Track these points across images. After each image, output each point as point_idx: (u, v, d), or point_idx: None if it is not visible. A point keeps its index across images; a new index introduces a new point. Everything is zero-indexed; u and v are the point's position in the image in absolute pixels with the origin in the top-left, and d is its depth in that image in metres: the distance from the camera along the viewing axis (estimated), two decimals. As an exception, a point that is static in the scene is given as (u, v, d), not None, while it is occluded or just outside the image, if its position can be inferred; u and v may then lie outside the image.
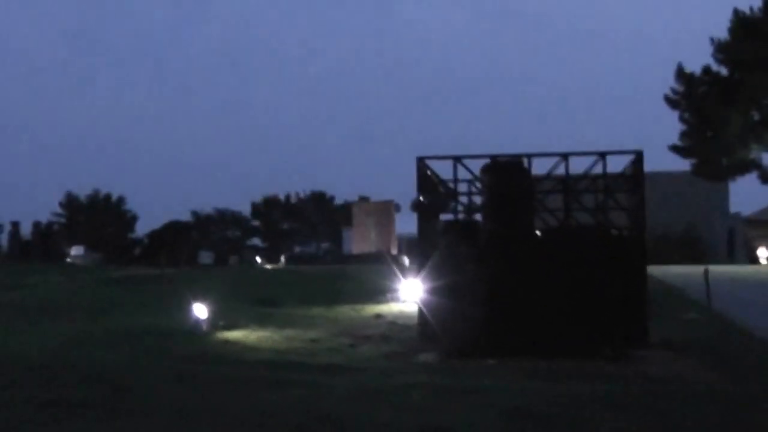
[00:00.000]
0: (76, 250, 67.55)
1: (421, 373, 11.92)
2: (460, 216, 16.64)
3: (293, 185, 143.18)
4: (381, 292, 25.29)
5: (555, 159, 15.18)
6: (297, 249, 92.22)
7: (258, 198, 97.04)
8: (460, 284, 14.42)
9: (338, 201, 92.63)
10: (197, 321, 16.66)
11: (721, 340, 15.08)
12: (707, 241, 58.65)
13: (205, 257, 59.54)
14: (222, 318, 17.28)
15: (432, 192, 15.90)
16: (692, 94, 49.75)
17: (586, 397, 9.59)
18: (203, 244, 79.24)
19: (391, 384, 10.69)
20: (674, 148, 51.57)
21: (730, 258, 55.44)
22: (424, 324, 14.79)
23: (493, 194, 15.04)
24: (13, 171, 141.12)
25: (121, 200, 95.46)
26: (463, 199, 17.20)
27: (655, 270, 32.34)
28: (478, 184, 16.20)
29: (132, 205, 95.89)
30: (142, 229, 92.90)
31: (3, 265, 50.16)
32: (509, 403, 9.04)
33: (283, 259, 68.48)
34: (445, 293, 14.56)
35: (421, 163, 15.55)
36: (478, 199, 16.96)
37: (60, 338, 15.52)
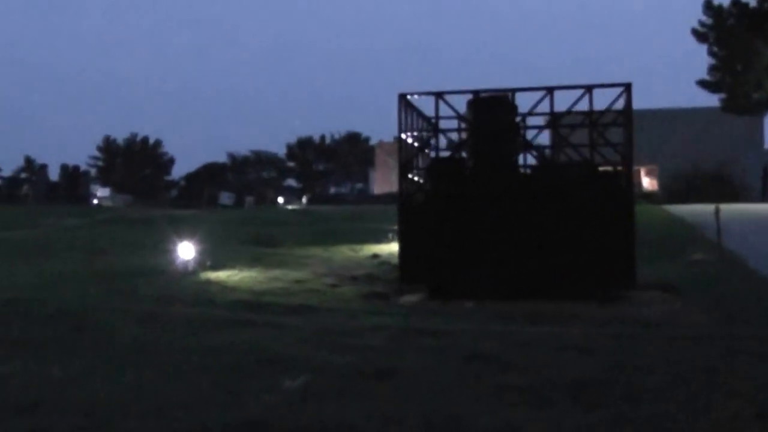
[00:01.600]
0: (102, 192, 68.00)
1: (395, 314, 11.74)
2: (444, 154, 16.18)
3: (328, 126, 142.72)
4: (386, 232, 24.96)
5: (541, 94, 14.47)
6: (332, 189, 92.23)
7: (293, 139, 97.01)
8: (442, 223, 14.17)
9: (373, 142, 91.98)
10: (183, 261, 16.44)
11: (724, 281, 14.72)
12: (740, 179, 57.16)
13: (226, 198, 59.52)
14: (211, 258, 17.49)
15: (415, 129, 15.36)
16: (721, 27, 48.07)
17: (554, 341, 9.28)
18: (238, 185, 79.01)
19: (355, 326, 10.50)
20: (702, 83, 50.09)
21: (764, 196, 53.99)
22: (406, 264, 14.42)
23: (476, 130, 14.58)
24: (55, 115, 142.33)
25: (158, 143, 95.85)
26: (449, 137, 16.60)
27: (681, 209, 31.82)
28: (463, 122, 15.68)
29: (169, 148, 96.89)
30: (178, 171, 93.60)
31: (27, 206, 50.63)
32: (471, 347, 8.81)
33: (304, 199, 68.37)
34: (426, 232, 14.27)
35: (403, 99, 15.00)
36: (461, 138, 16.36)
37: (44, 277, 15.52)
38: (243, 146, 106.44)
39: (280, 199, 65.32)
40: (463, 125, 15.89)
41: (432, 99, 14.94)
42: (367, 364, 7.85)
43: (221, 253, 19.43)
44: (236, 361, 7.98)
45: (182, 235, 19.72)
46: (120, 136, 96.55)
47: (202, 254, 17.24)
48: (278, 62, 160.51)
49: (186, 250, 16.85)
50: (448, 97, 14.84)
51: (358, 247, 22.88)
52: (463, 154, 15.40)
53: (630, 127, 14.32)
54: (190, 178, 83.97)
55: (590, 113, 14.43)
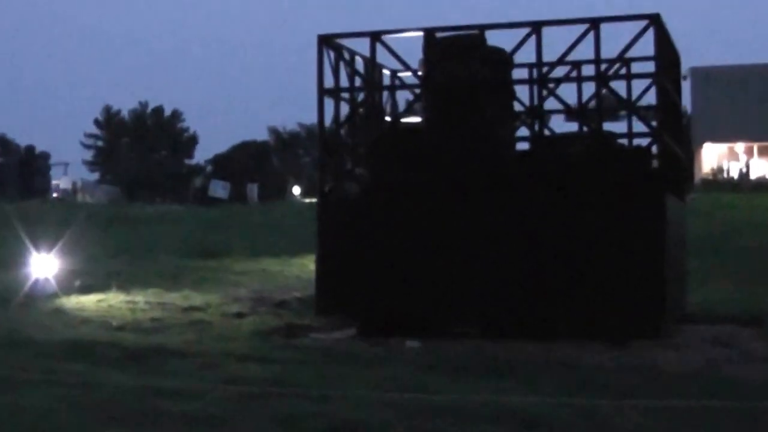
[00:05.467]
0: (64, 182, 67.89)
1: (281, 362, 11.08)
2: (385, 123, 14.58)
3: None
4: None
5: (523, 33, 12.97)
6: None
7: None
8: (382, 227, 13.18)
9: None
10: (39, 281, 15.73)
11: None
12: None
13: (219, 189, 57.88)
14: (84, 276, 16.95)
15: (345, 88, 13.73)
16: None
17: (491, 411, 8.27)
18: (288, 171, 76.06)
19: (187, 387, 9.23)
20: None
21: None
22: (326, 288, 13.30)
23: (434, 90, 13.31)
24: (43, 82, 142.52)
25: (175, 116, 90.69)
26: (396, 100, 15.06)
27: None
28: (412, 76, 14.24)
29: (190, 122, 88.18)
30: (203, 153, 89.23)
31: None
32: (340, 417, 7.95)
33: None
34: (358, 241, 13.21)
35: (326, 43, 13.27)
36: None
37: None
38: (289, 119, 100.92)
39: (296, 189, 63.10)
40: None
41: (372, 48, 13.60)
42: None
43: (131, 268, 19.40)
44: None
45: (81, 243, 19.66)
46: (125, 106, 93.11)
47: (68, 271, 16.82)
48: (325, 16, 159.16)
49: (39, 266, 16.01)
50: (392, 41, 13.50)
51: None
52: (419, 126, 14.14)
53: (662, 78, 12.74)
54: (220, 161, 79.87)
55: (597, 61, 12.76)
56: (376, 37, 13.37)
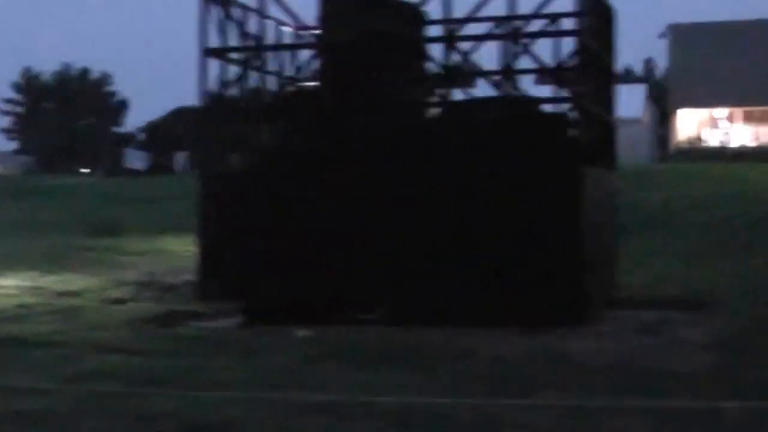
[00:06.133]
0: None
1: (143, 354, 11.18)
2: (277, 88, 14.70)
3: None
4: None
5: None
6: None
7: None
8: (270, 202, 13.17)
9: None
10: None
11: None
12: None
13: (136, 159, 57.39)
14: None
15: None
16: None
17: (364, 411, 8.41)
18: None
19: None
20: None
21: None
22: (208, 270, 13.37)
23: (332, 48, 13.27)
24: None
25: (104, 79, 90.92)
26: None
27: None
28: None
29: (121, 86, 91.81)
30: (136, 120, 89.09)
31: None
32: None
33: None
34: (243, 218, 13.23)
35: None
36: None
37: None
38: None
39: None
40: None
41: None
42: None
43: (14, 248, 19.53)
44: None
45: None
46: (47, 68, 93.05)
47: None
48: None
49: None
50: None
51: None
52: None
53: (586, 38, 12.82)
54: (153, 129, 80.00)
55: (510, 18, 13.04)
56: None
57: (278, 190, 13.15)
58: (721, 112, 48.51)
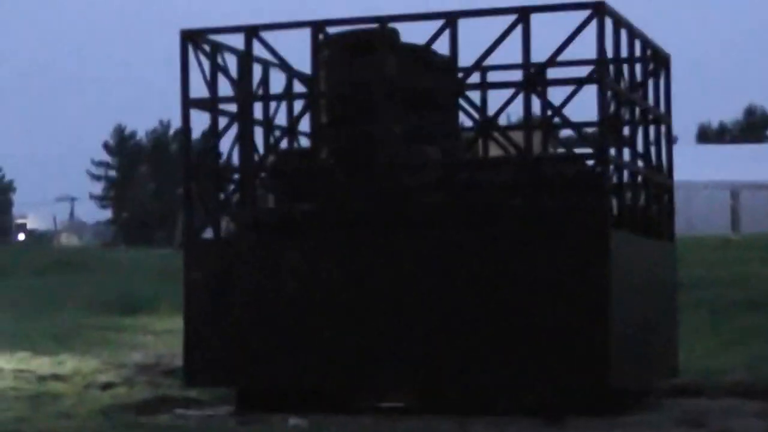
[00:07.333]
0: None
1: None
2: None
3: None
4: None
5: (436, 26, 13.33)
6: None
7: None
8: (263, 278, 13.45)
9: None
10: None
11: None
12: None
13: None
14: None
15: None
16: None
17: None
18: None
19: None
20: None
21: None
22: (195, 352, 13.59)
23: (335, 104, 13.67)
24: None
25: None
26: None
27: None
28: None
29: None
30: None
31: None
32: None
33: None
34: (233, 294, 13.47)
35: (192, 39, 13.65)
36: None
37: None
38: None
39: None
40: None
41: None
42: None
43: (19, 325, 20.10)
44: None
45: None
46: (142, 126, 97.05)
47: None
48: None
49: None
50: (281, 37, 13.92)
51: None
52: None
53: (611, 84, 13.05)
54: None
55: (526, 65, 12.94)
56: (252, 32, 13.54)
57: (269, 262, 13.32)
58: None
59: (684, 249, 28.81)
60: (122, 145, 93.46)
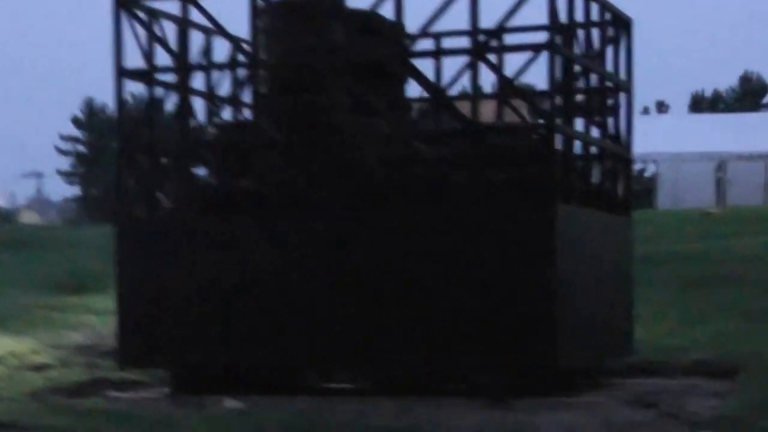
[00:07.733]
0: None
1: (31, 430, 11.20)
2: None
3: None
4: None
5: None
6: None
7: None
8: (199, 254, 13.58)
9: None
10: None
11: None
12: None
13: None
14: None
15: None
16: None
17: None
18: None
19: None
20: None
21: None
22: (129, 333, 13.77)
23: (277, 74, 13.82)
24: None
25: None
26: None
27: None
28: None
29: None
30: None
31: None
32: None
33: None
34: (167, 272, 13.60)
35: (125, 6, 13.72)
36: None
37: None
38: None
39: None
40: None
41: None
42: None
43: None
44: None
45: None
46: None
47: None
48: None
49: None
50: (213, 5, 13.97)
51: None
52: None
53: (561, 50, 13.15)
54: None
55: (474, 31, 13.03)
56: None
57: (205, 239, 13.49)
58: None
59: (662, 223, 29.14)
60: (92, 119, 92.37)
